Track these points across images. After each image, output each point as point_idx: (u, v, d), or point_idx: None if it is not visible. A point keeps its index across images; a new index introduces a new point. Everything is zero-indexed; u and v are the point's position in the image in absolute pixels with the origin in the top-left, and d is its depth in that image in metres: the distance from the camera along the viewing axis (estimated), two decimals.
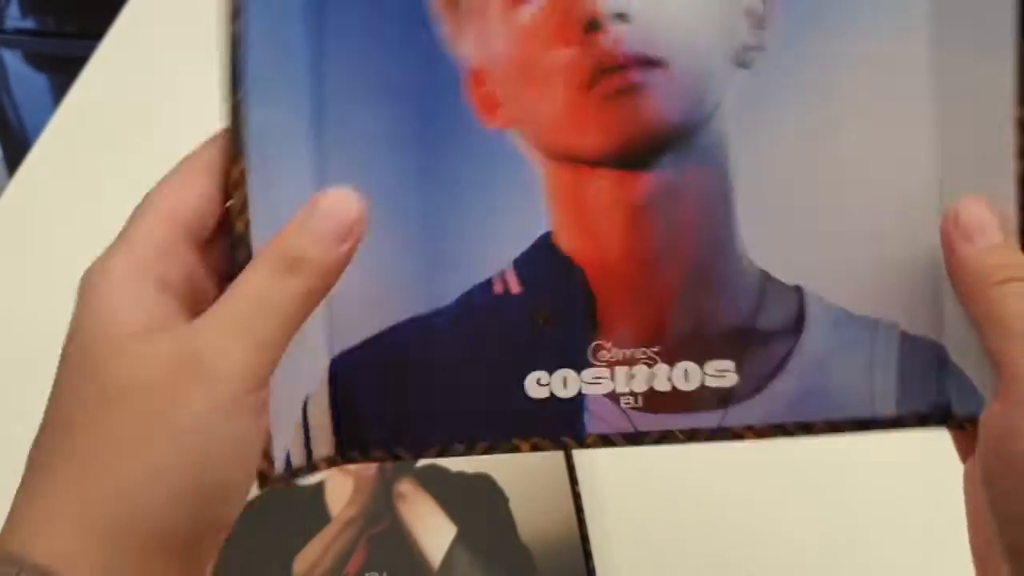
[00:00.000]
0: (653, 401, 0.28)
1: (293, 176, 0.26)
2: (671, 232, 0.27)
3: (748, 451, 0.51)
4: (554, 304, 0.28)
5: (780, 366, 0.28)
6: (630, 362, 0.28)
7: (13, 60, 1.49)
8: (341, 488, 0.44)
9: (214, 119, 0.80)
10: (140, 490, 0.23)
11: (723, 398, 0.28)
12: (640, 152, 0.27)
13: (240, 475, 0.24)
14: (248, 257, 0.26)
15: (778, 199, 0.27)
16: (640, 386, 0.28)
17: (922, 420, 0.28)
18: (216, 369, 0.23)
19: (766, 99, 0.26)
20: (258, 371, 0.24)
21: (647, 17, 0.26)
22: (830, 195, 0.27)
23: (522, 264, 0.28)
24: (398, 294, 0.28)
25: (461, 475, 0.45)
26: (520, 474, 0.45)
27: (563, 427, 0.28)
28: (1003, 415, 0.24)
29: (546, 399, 0.28)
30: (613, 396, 0.28)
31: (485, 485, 0.45)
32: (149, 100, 0.77)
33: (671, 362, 0.28)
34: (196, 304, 0.25)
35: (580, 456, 0.49)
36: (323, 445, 0.28)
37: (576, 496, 0.45)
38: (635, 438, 0.28)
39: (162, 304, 0.24)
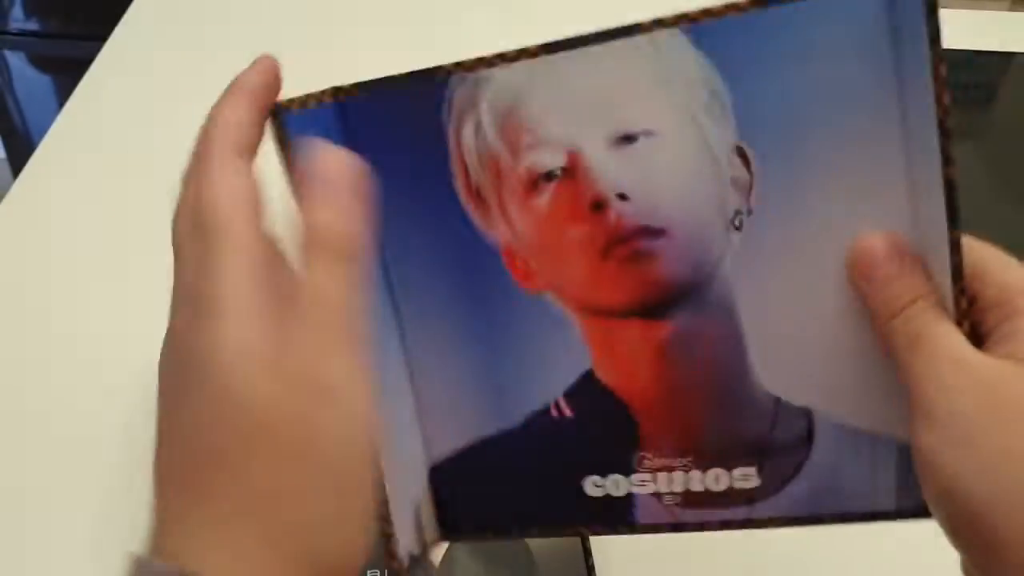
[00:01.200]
0: (690, 499, 0.33)
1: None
2: (693, 368, 0.31)
3: None
4: (604, 426, 0.32)
5: (795, 472, 0.32)
6: (669, 468, 0.33)
7: (17, 61, 1.50)
8: None
9: None
10: (315, 529, 0.24)
11: (749, 497, 0.32)
12: (656, 306, 0.31)
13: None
14: None
15: (781, 335, 0.31)
16: (679, 487, 0.33)
17: (916, 513, 0.31)
18: (337, 391, 0.24)
19: (759, 251, 0.30)
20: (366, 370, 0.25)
21: (644, 194, 0.30)
22: (827, 327, 0.30)
23: (571, 395, 0.32)
24: (473, 417, 0.33)
25: None
26: None
27: (618, 519, 0.33)
28: (926, 448, 0.26)
29: (602, 497, 0.33)
30: (657, 495, 0.33)
31: None
32: (153, 102, 0.77)
33: (703, 469, 0.32)
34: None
35: None
36: (431, 533, 0.34)
37: None
38: (678, 527, 0.33)
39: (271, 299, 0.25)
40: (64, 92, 0.79)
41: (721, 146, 0.29)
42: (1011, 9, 1.17)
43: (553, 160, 0.30)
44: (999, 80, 0.87)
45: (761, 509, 0.32)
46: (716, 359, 0.31)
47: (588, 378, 0.32)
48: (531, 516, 0.34)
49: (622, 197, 0.30)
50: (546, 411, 0.33)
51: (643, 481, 0.33)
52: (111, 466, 0.48)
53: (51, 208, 0.65)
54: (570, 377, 0.32)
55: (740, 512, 0.33)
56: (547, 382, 0.32)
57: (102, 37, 0.85)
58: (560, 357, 0.32)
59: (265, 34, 0.87)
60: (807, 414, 0.31)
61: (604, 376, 0.32)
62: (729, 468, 0.32)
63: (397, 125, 0.31)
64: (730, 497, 0.32)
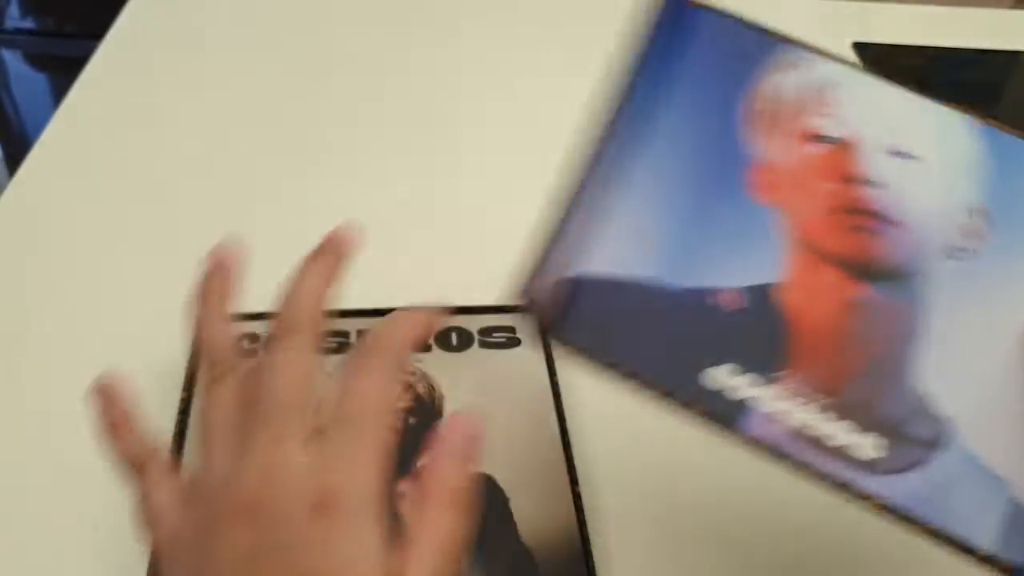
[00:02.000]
0: (802, 437, 0.33)
1: (600, 177, 0.37)
2: (866, 330, 0.34)
3: (747, 454, 0.51)
4: (760, 331, 0.35)
5: (911, 466, 0.33)
6: (801, 400, 0.34)
7: (13, 60, 1.49)
8: None
9: (211, 119, 0.81)
10: None
11: (861, 466, 0.33)
12: (860, 271, 0.35)
13: None
14: None
15: (953, 351, 0.34)
16: (798, 421, 0.33)
17: (1008, 572, 0.32)
18: None
19: (964, 281, 0.35)
20: None
21: (891, 193, 0.36)
22: (997, 369, 0.34)
23: (747, 292, 0.35)
24: (640, 256, 0.35)
25: None
26: (520, 473, 0.45)
27: (725, 417, 0.34)
28: None
29: (715, 390, 0.34)
30: (772, 417, 0.34)
31: (485, 484, 0.45)
32: (149, 100, 0.77)
33: (839, 416, 0.33)
34: None
35: (580, 455, 0.49)
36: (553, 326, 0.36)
37: (576, 496, 0.45)
38: (781, 454, 0.33)
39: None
40: (60, 90, 0.79)
41: (968, 197, 0.36)
42: (1015, 7, 1.17)
43: (836, 132, 0.37)
44: (1004, 79, 0.87)
45: (867, 482, 0.33)
46: (889, 333, 0.35)
47: (769, 289, 0.35)
48: (642, 366, 0.35)
49: (872, 183, 0.36)
50: (711, 292, 0.35)
51: (769, 398, 0.34)
52: (109, 467, 0.48)
53: (48, 207, 0.65)
54: (755, 279, 0.35)
55: (845, 473, 0.33)
56: (728, 271, 0.35)
57: (98, 35, 0.85)
58: (755, 259, 0.36)
59: (261, 32, 0.87)
60: (945, 423, 0.34)
61: (785, 296, 0.35)
62: (863, 430, 0.34)
63: (730, 42, 0.39)
64: (842, 455, 0.33)
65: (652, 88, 0.39)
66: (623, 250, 0.36)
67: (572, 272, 0.36)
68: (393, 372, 0.30)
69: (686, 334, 0.35)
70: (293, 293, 0.33)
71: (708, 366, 0.34)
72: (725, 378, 0.34)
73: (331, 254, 0.34)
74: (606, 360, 0.35)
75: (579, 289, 0.36)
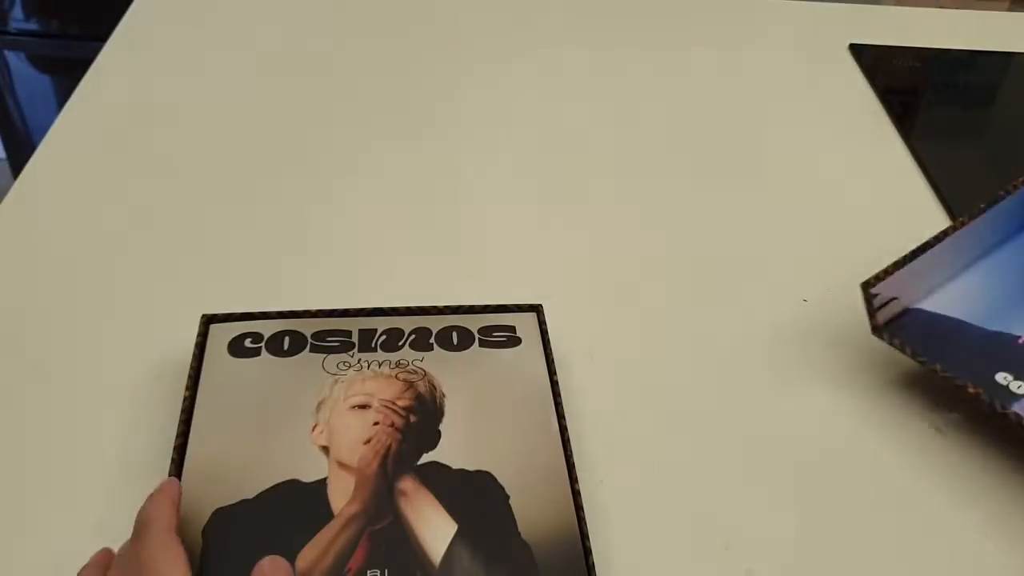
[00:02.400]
0: None
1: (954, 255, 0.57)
2: None
3: (746, 453, 0.51)
4: None
5: None
6: None
7: (17, 61, 1.50)
8: (343, 485, 0.44)
9: (214, 120, 0.81)
10: None
11: None
12: None
13: None
14: None
15: None
16: None
17: None
18: None
19: None
20: None
21: None
22: None
23: None
24: (969, 305, 0.55)
25: (462, 472, 0.45)
26: (521, 472, 0.46)
27: (1001, 399, 0.49)
28: None
29: (1003, 384, 0.50)
30: None
31: (486, 483, 0.45)
32: (152, 102, 0.77)
33: None
34: None
35: (580, 454, 0.49)
36: (883, 315, 0.54)
37: (576, 494, 0.45)
38: None
39: None
40: (64, 92, 0.79)
41: None
42: (1011, 9, 1.17)
43: None
44: (999, 80, 0.88)
45: None
46: None
47: None
48: (950, 365, 0.51)
49: None
50: (1015, 337, 0.53)
51: None
52: (111, 466, 0.48)
53: (51, 208, 0.65)
54: None
55: None
56: None
57: (102, 37, 0.86)
58: None
59: (264, 34, 0.87)
60: None
61: None
62: None
63: None
64: None
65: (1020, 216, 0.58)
66: (960, 299, 0.55)
67: (912, 300, 0.55)
68: (169, 537, 0.39)
69: (990, 354, 0.52)
70: (146, 503, 0.41)
71: (1003, 371, 0.50)
72: (1010, 380, 0.50)
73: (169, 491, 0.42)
74: (918, 357, 0.52)
75: (915, 314, 0.54)
